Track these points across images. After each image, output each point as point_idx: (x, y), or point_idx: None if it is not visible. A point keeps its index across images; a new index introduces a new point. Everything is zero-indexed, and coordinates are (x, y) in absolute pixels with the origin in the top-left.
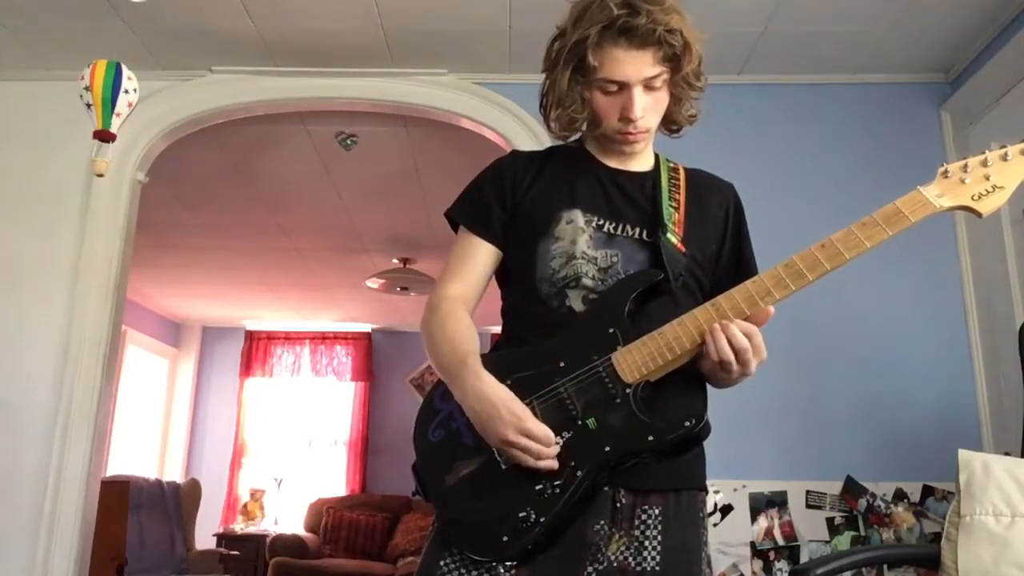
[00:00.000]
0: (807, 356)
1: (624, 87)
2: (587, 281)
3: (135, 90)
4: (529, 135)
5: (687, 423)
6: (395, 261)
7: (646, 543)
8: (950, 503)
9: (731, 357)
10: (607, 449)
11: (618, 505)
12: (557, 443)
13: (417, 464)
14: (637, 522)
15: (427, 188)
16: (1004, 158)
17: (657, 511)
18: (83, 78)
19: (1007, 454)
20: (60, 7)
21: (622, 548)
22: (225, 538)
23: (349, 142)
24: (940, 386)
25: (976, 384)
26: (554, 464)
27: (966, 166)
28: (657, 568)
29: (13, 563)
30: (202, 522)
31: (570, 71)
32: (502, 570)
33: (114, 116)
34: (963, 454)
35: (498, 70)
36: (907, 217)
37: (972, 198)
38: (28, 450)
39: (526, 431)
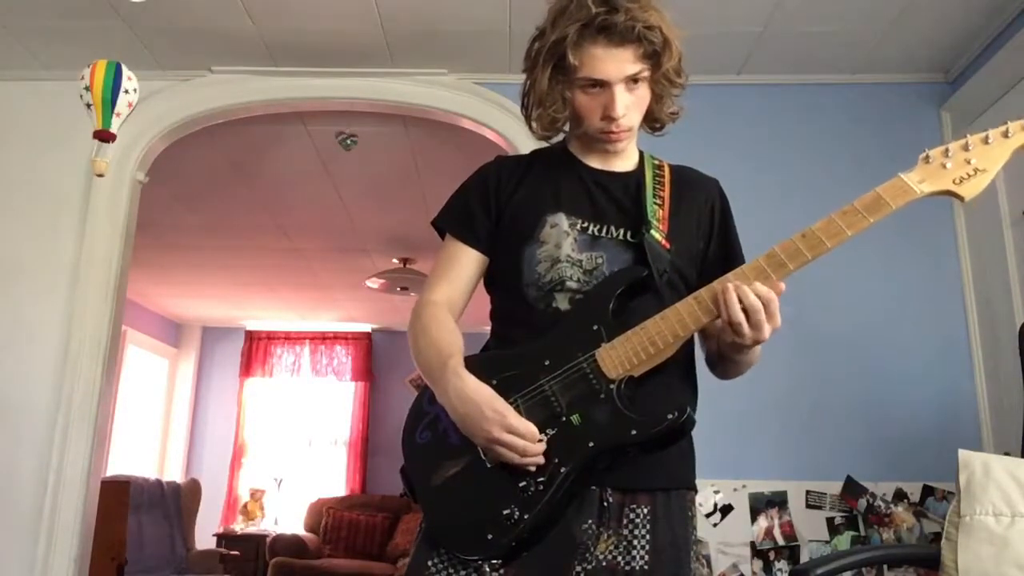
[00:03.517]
0: (807, 356)
1: (605, 86)
2: (572, 284)
3: (135, 90)
4: (529, 135)
5: (670, 416)
6: (395, 261)
7: (634, 542)
8: (950, 503)
9: (741, 318)
10: (591, 444)
11: (605, 504)
12: (542, 440)
13: (405, 466)
14: (625, 521)
15: (427, 188)
16: (985, 141)
17: (645, 510)
18: (83, 78)
19: (1007, 454)
20: (60, 7)
21: (611, 547)
22: (225, 538)
23: (349, 142)
24: (940, 386)
25: (976, 384)
26: (540, 460)
27: (947, 151)
28: (646, 567)
29: (13, 563)
30: (202, 522)
31: (550, 70)
32: (488, 569)
33: (114, 116)
34: (963, 454)
35: (498, 70)
36: (888, 204)
37: (953, 182)
38: (28, 450)
39: (510, 427)
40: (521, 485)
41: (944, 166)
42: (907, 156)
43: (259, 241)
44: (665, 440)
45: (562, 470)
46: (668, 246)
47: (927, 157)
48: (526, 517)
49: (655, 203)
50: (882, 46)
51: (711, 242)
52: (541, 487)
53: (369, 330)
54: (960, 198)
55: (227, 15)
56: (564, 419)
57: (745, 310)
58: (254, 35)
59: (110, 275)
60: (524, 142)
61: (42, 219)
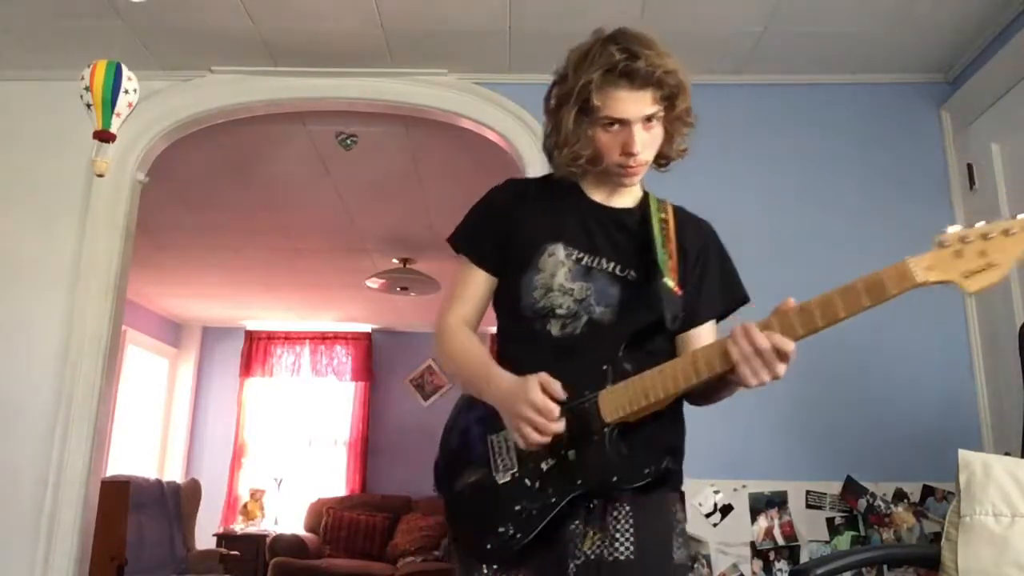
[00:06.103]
0: (807, 356)
1: (625, 124)
2: (561, 312)
3: (135, 90)
4: (529, 135)
5: (647, 471)
6: (395, 261)
7: (618, 535)
8: (950, 503)
9: (765, 376)
10: (579, 482)
11: (590, 507)
12: (560, 419)
13: (438, 464)
14: (609, 519)
15: (427, 188)
16: (1007, 233)
17: (627, 508)
18: (83, 78)
19: (1007, 454)
20: (60, 7)
21: (596, 542)
22: (225, 538)
23: (349, 142)
24: (940, 386)
25: (976, 384)
26: (561, 427)
27: (966, 236)
28: (631, 556)
29: (13, 563)
30: (202, 522)
31: (575, 112)
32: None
33: (114, 116)
34: (963, 454)
35: (498, 70)
36: (888, 290)
37: (962, 275)
38: (28, 450)
39: (531, 402)
40: (516, 508)
41: (958, 254)
42: (908, 156)
43: (259, 241)
44: (648, 487)
45: (552, 500)
46: (680, 292)
47: (942, 242)
48: (518, 536)
49: (665, 250)
50: (882, 46)
51: (705, 281)
52: (535, 513)
53: (369, 330)
54: (966, 291)
55: (227, 15)
56: (563, 453)
57: (758, 353)
58: (254, 35)
59: (110, 275)
60: (524, 142)
61: (42, 219)
